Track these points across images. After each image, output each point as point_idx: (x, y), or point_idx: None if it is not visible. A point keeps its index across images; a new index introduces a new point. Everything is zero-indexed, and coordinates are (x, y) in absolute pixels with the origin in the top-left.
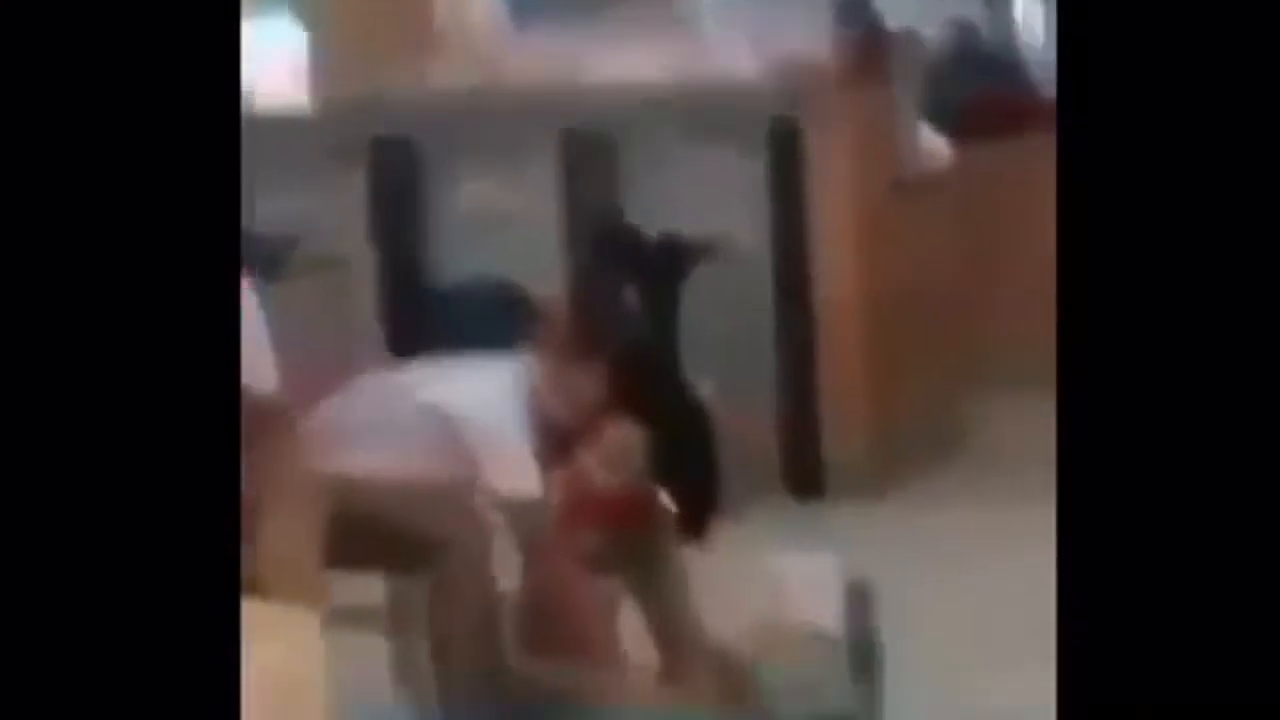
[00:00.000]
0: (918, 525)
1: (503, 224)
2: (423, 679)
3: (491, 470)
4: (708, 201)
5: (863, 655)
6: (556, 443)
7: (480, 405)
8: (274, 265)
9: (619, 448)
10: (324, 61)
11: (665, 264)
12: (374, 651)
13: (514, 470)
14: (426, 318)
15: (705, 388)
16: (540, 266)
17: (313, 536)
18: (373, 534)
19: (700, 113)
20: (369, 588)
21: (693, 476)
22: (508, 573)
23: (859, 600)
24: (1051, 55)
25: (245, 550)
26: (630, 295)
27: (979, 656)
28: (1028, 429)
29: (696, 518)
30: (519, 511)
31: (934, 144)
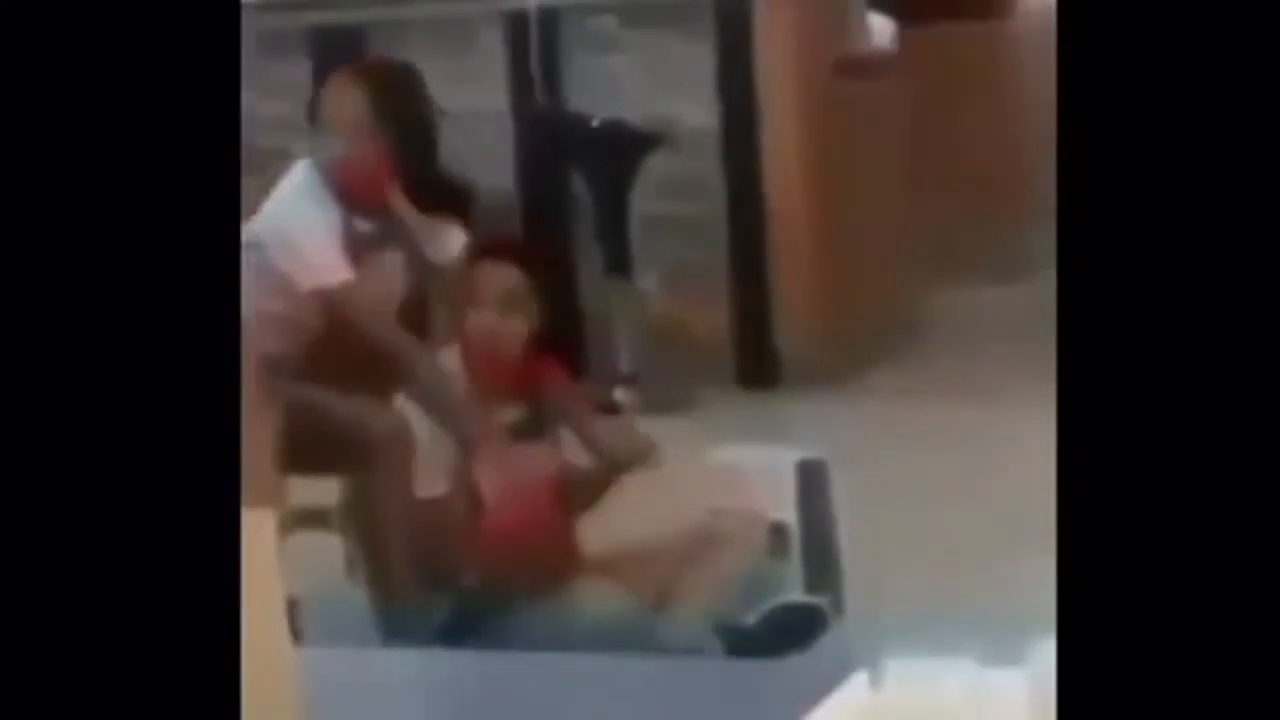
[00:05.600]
0: (872, 416)
1: (450, 113)
2: (369, 574)
3: (303, 276)
4: (654, 86)
5: (819, 537)
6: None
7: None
8: None
9: (499, 286)
10: None
11: (613, 152)
12: (332, 550)
13: (323, 268)
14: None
15: (654, 278)
16: (489, 157)
17: (263, 440)
18: (315, 437)
19: None
20: (327, 488)
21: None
22: (431, 469)
23: (814, 479)
24: None
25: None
26: (578, 184)
27: (938, 545)
28: (983, 317)
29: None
30: (432, 383)
31: (880, 25)
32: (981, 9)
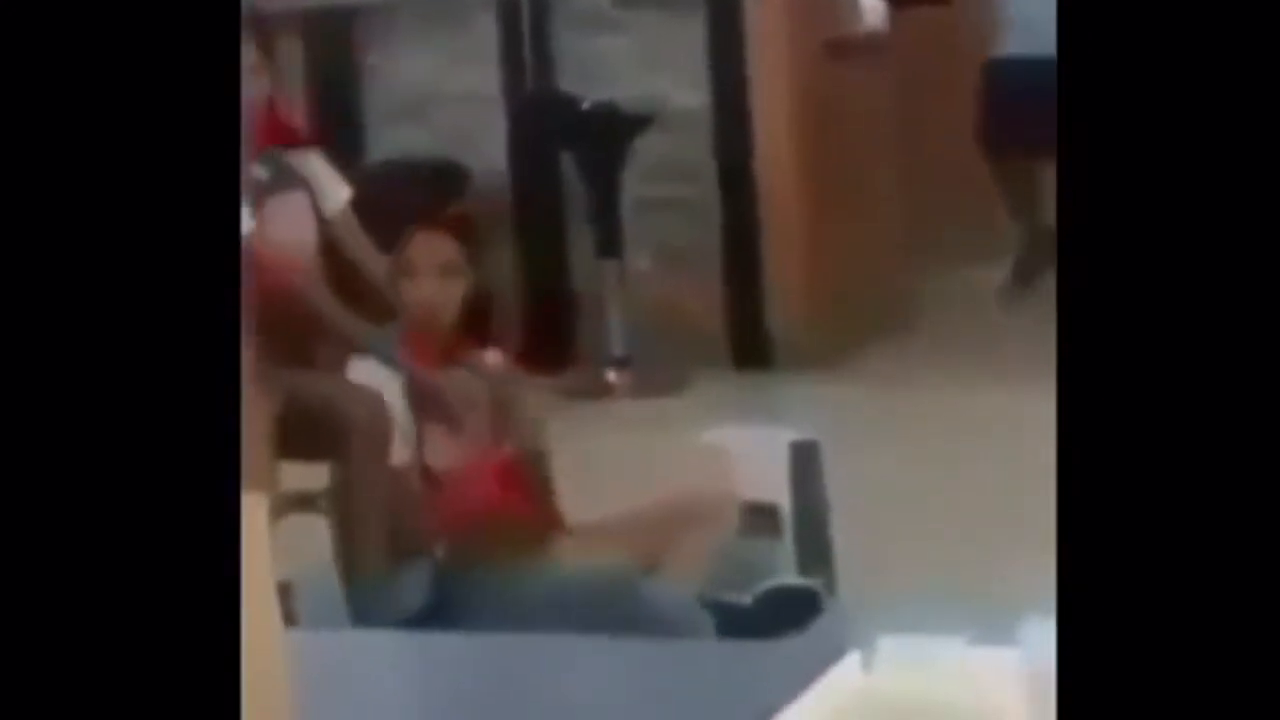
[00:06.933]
0: (865, 397)
1: (442, 96)
2: (349, 556)
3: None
4: (646, 66)
5: (812, 519)
6: None
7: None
8: None
9: (437, 257)
10: None
11: (604, 133)
12: (319, 534)
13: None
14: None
15: (646, 260)
16: (480, 139)
17: (255, 423)
18: (306, 422)
19: None
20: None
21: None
22: (404, 450)
23: (807, 461)
24: None
25: None
26: (569, 166)
27: (930, 526)
28: (978, 298)
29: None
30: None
31: (871, 5)
32: None
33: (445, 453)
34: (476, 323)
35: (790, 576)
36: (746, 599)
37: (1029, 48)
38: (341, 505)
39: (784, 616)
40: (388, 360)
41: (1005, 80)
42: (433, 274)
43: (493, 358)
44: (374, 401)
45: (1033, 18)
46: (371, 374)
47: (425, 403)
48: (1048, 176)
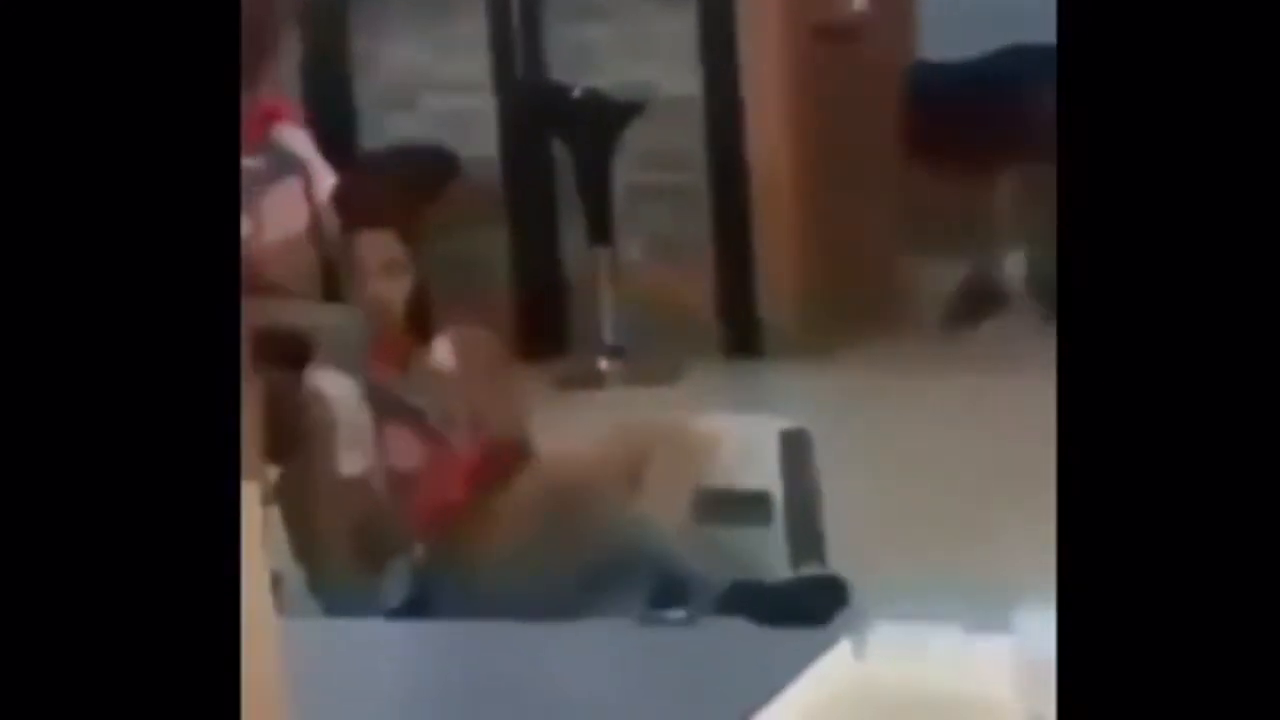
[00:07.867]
0: (857, 386)
1: (433, 84)
2: (307, 559)
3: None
4: (636, 54)
5: (803, 507)
6: None
7: None
8: None
9: (381, 255)
10: None
11: (594, 121)
12: None
13: None
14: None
15: (638, 248)
16: (471, 127)
17: (250, 416)
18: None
19: None
20: None
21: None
22: (354, 446)
23: (797, 449)
24: None
25: None
26: (561, 154)
27: (922, 514)
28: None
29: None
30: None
31: None
32: None
33: (411, 453)
34: (421, 319)
35: (819, 567)
36: (772, 586)
37: (947, 50)
38: (290, 509)
39: (810, 606)
40: (349, 366)
41: (928, 85)
42: (377, 272)
43: (440, 353)
44: (320, 407)
45: (948, 18)
46: (330, 381)
47: (386, 405)
48: (991, 183)
